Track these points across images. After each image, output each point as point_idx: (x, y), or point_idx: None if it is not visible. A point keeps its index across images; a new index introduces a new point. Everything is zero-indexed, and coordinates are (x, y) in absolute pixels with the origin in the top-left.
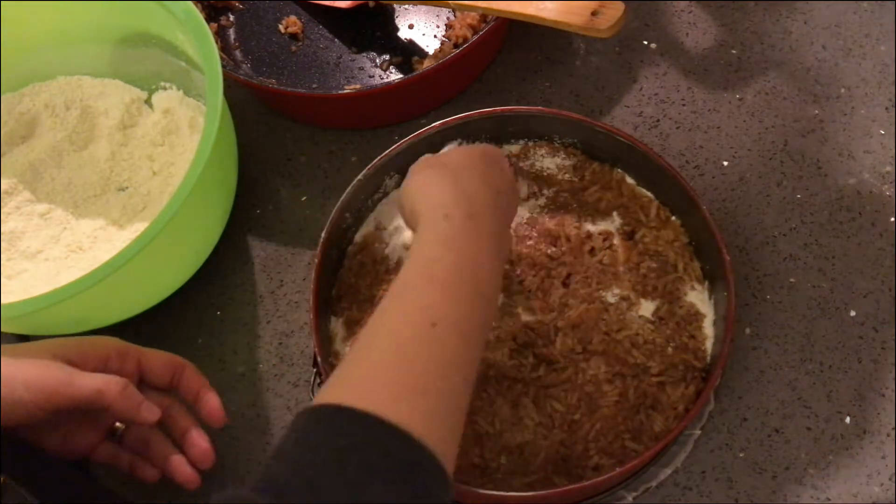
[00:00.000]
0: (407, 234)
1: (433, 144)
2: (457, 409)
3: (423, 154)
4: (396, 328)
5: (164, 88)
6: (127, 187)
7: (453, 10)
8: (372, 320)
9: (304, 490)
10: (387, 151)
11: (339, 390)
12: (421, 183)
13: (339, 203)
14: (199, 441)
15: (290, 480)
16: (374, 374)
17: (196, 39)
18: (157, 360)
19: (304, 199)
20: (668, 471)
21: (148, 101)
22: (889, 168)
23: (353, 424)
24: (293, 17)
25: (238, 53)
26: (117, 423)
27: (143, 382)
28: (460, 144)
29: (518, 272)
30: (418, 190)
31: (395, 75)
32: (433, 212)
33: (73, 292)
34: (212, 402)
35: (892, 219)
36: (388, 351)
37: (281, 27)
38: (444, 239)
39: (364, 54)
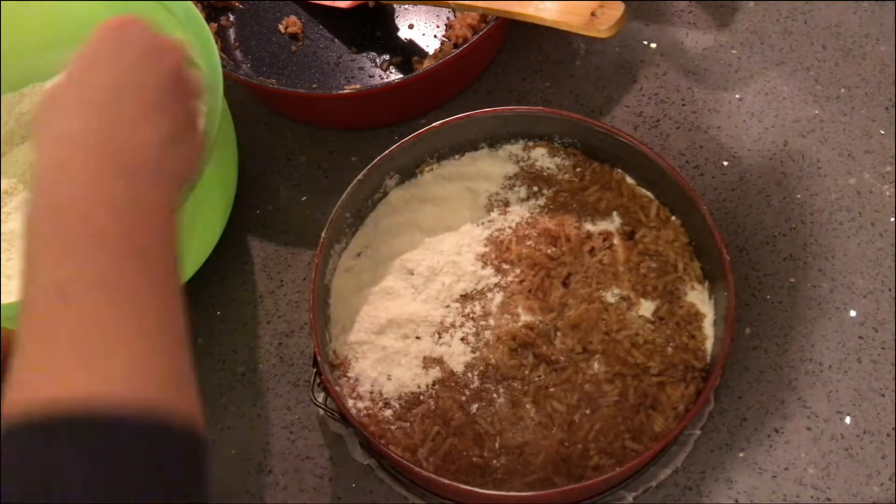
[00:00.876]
0: None
1: (433, 144)
2: (161, 343)
3: (423, 154)
4: (26, 303)
5: None
6: None
7: (453, 10)
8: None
9: None
10: (387, 151)
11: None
12: (82, 58)
13: (339, 203)
14: None
15: None
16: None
17: (196, 40)
18: None
19: (304, 199)
20: (668, 471)
21: None
22: (889, 168)
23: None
24: (293, 17)
25: (238, 53)
26: None
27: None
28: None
29: (518, 272)
30: (49, 117)
31: (395, 75)
32: (45, 138)
33: None
34: None
35: (892, 219)
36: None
37: (281, 27)
38: (56, 188)
39: (364, 54)
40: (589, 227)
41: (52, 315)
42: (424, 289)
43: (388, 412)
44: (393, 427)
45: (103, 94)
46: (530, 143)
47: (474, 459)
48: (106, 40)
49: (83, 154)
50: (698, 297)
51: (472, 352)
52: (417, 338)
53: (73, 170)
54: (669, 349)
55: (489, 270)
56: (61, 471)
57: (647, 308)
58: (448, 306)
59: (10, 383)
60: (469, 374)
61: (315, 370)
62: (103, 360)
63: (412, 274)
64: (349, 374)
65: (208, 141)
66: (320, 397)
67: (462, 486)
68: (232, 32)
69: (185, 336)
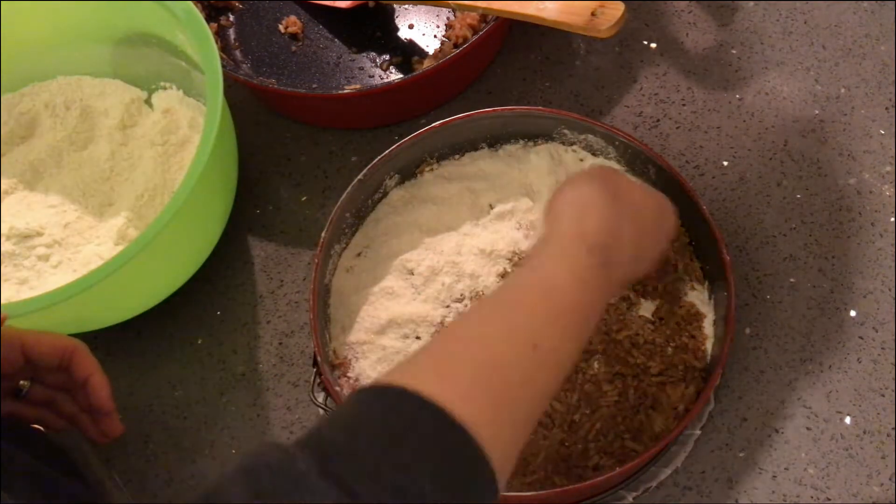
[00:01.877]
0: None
1: (433, 144)
2: (522, 432)
3: (423, 154)
4: (495, 336)
5: (164, 88)
6: (128, 189)
7: (453, 10)
8: (470, 317)
9: (349, 459)
10: (387, 151)
11: (413, 378)
12: (590, 194)
13: (339, 203)
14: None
15: (337, 446)
16: (454, 370)
17: (196, 40)
18: (42, 343)
19: (304, 199)
20: (668, 471)
21: (148, 101)
22: (889, 168)
23: (417, 410)
24: (293, 17)
25: (238, 53)
26: (21, 382)
27: (31, 365)
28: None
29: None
30: (582, 199)
31: (395, 75)
32: (579, 236)
33: (72, 292)
34: (99, 388)
35: (892, 219)
36: (478, 355)
37: (281, 27)
38: (576, 271)
39: (364, 54)
40: None
41: (515, 353)
42: (424, 289)
43: None
44: None
45: (629, 217)
46: (530, 143)
47: None
48: (636, 184)
49: (586, 252)
50: (698, 297)
51: None
52: (417, 338)
53: (572, 261)
54: (669, 349)
55: (489, 270)
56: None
57: (647, 308)
58: (448, 306)
59: (406, 367)
60: None
61: (315, 370)
62: (496, 410)
63: (412, 274)
64: (349, 374)
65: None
66: (320, 397)
67: None
68: (232, 32)
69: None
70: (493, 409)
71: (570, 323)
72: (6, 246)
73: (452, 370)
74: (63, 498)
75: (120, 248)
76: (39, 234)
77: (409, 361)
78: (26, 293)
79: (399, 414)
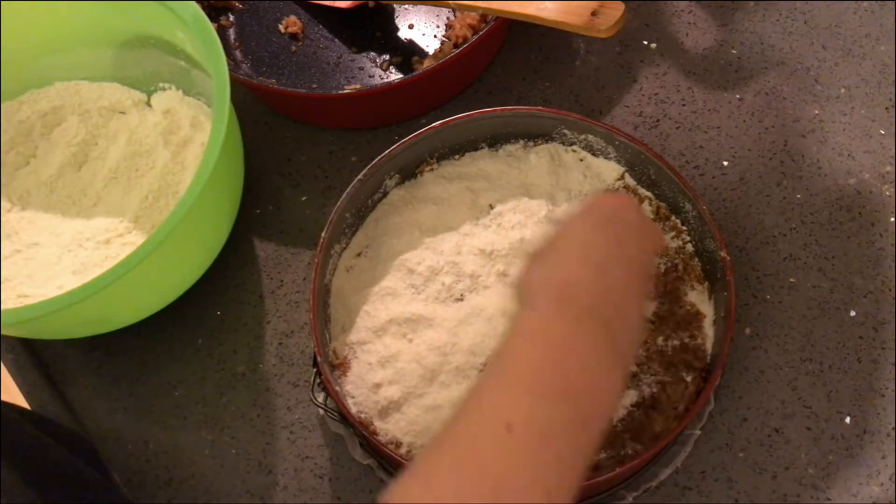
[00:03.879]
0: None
1: (433, 144)
2: None
3: (423, 154)
4: (467, 429)
5: (164, 89)
6: (131, 191)
7: (453, 10)
8: (451, 416)
9: None
10: (387, 151)
11: (411, 490)
12: (574, 244)
13: (339, 203)
14: None
15: None
16: (444, 479)
17: (202, 42)
18: None
19: (304, 199)
20: (668, 471)
21: (147, 103)
22: (889, 168)
23: None
24: (293, 17)
25: (238, 53)
26: None
27: None
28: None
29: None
30: (566, 252)
31: (395, 75)
32: (548, 300)
33: (79, 297)
34: None
35: (892, 219)
36: (459, 456)
37: (281, 27)
38: (536, 329)
39: (364, 54)
40: None
41: (490, 443)
42: (424, 289)
43: None
44: None
45: (601, 252)
46: (530, 143)
47: None
48: (598, 207)
49: (577, 307)
50: (698, 297)
51: None
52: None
53: (557, 321)
54: (669, 349)
55: (489, 270)
56: None
57: (647, 308)
58: (448, 306)
59: (407, 478)
60: None
61: (315, 370)
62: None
63: (412, 274)
64: (349, 374)
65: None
66: (320, 397)
67: None
68: (232, 32)
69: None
70: None
71: (534, 380)
72: (7, 251)
73: (444, 478)
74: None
75: (127, 251)
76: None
77: (412, 473)
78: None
79: None
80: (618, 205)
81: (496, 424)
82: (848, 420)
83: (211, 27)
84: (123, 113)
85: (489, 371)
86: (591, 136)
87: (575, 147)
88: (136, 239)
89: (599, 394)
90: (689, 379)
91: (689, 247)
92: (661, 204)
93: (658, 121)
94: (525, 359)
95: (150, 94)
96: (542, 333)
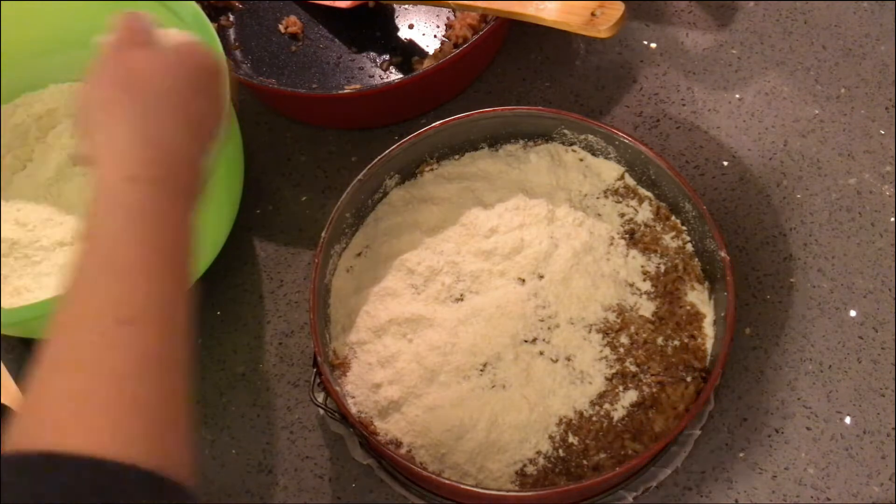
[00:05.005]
0: None
1: (433, 144)
2: (174, 411)
3: (423, 154)
4: (76, 334)
5: None
6: None
7: (453, 10)
8: (52, 324)
9: None
10: (387, 151)
11: (35, 427)
12: (101, 107)
13: (339, 203)
14: None
15: None
16: (67, 400)
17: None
18: None
19: (304, 199)
20: (668, 471)
21: None
22: (889, 168)
23: (62, 473)
24: (293, 17)
25: (238, 53)
26: None
27: None
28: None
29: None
30: (97, 118)
31: (395, 75)
32: (113, 167)
33: None
34: None
35: (892, 219)
36: (77, 370)
37: (281, 27)
38: (127, 209)
39: (364, 54)
40: None
41: (106, 345)
42: (424, 289)
43: None
44: None
45: (140, 106)
46: (530, 143)
47: None
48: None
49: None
50: (698, 297)
51: None
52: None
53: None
54: (669, 349)
55: (489, 270)
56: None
57: (647, 308)
58: (448, 306)
59: (24, 416)
60: None
61: (315, 370)
62: (130, 420)
63: (412, 274)
64: (349, 374)
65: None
66: (320, 397)
67: (462, 485)
68: (232, 32)
69: (183, 369)
70: (124, 419)
71: (144, 267)
72: (6, 253)
73: (66, 399)
74: None
75: None
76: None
77: (28, 406)
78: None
79: (51, 485)
80: (208, 65)
81: (110, 323)
82: (848, 420)
83: (211, 27)
84: None
85: (91, 257)
86: (591, 136)
87: (575, 147)
88: None
89: (188, 257)
90: (689, 379)
91: (689, 247)
92: (661, 204)
93: (658, 121)
94: (130, 245)
95: None
96: (146, 212)
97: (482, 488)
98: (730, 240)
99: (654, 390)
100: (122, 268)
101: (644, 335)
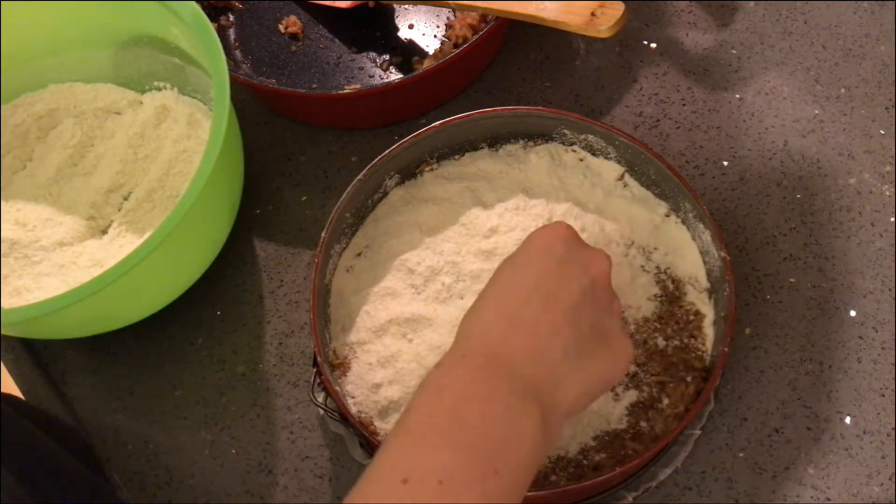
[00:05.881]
0: None
1: (433, 144)
2: None
3: (423, 154)
4: (366, 489)
5: (158, 88)
6: (130, 192)
7: (453, 10)
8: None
9: None
10: (387, 151)
11: None
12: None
13: (339, 203)
14: None
15: None
16: None
17: (202, 42)
18: None
19: (304, 199)
20: (668, 471)
21: (142, 103)
22: (889, 168)
23: None
24: (293, 17)
25: (238, 53)
26: None
27: None
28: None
29: None
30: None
31: (395, 75)
32: (462, 349)
33: (79, 297)
34: None
35: (892, 219)
36: None
37: (281, 27)
38: (435, 381)
39: (364, 54)
40: None
41: (386, 497)
42: (424, 289)
43: None
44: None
45: (519, 295)
46: (530, 143)
47: None
48: (535, 243)
49: (480, 355)
50: (698, 297)
51: None
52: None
53: (459, 370)
54: (669, 349)
55: (489, 270)
56: None
57: (647, 308)
58: (448, 306)
59: None
60: None
61: (315, 370)
62: None
63: (412, 274)
64: (349, 374)
65: (629, 356)
66: (320, 397)
67: None
68: (232, 32)
69: None
70: None
71: (425, 429)
72: (6, 252)
73: None
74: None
75: (127, 251)
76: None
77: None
78: (26, 300)
79: None
80: (546, 242)
81: (393, 480)
82: (848, 420)
83: (210, 26)
84: (119, 113)
85: (392, 429)
86: (591, 136)
87: (575, 147)
88: (135, 239)
89: (507, 439)
90: (689, 379)
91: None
92: (661, 203)
93: (658, 121)
94: (422, 412)
95: (144, 94)
96: (439, 385)
97: None
98: (730, 240)
99: (654, 390)
100: (406, 429)
101: (644, 335)
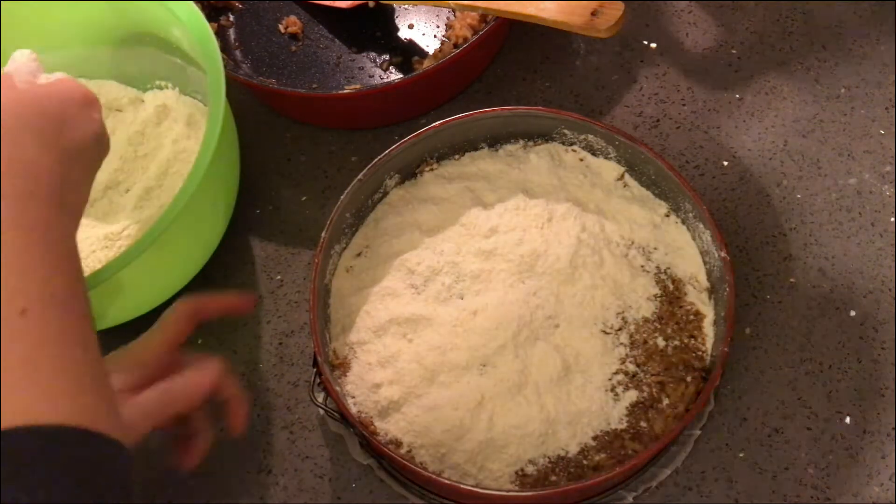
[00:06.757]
0: None
1: (433, 144)
2: (88, 376)
3: (423, 154)
4: None
5: (160, 87)
6: (128, 190)
7: (453, 10)
8: None
9: None
10: (387, 151)
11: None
12: None
13: (339, 203)
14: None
15: None
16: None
17: (199, 41)
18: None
19: (304, 199)
20: (668, 471)
21: (143, 101)
22: (889, 168)
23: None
24: (293, 17)
25: (238, 53)
26: None
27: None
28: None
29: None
30: None
31: (395, 75)
32: None
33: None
34: (238, 411)
35: (892, 219)
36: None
37: (281, 27)
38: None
39: (364, 54)
40: None
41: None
42: (424, 289)
43: None
44: None
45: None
46: (530, 143)
47: None
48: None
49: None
50: (698, 297)
51: None
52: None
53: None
54: (669, 349)
55: (489, 270)
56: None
57: (647, 308)
58: (448, 306)
59: None
60: None
61: (315, 370)
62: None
63: (412, 274)
64: (349, 374)
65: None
66: (320, 397)
67: (462, 485)
68: (232, 32)
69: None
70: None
71: (24, 262)
72: None
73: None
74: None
75: (123, 248)
76: None
77: None
78: None
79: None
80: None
81: (10, 315)
82: (848, 420)
83: (206, 24)
84: (120, 111)
85: None
86: (591, 136)
87: (575, 147)
88: (132, 236)
89: (69, 245)
90: (688, 379)
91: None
92: (661, 203)
93: (658, 121)
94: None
95: (145, 92)
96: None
97: (482, 488)
98: (730, 240)
99: (654, 390)
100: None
101: (644, 335)
